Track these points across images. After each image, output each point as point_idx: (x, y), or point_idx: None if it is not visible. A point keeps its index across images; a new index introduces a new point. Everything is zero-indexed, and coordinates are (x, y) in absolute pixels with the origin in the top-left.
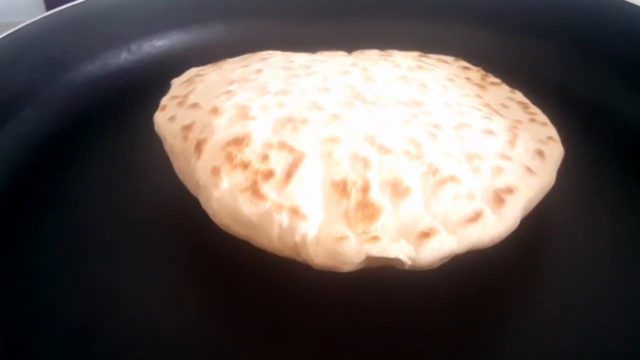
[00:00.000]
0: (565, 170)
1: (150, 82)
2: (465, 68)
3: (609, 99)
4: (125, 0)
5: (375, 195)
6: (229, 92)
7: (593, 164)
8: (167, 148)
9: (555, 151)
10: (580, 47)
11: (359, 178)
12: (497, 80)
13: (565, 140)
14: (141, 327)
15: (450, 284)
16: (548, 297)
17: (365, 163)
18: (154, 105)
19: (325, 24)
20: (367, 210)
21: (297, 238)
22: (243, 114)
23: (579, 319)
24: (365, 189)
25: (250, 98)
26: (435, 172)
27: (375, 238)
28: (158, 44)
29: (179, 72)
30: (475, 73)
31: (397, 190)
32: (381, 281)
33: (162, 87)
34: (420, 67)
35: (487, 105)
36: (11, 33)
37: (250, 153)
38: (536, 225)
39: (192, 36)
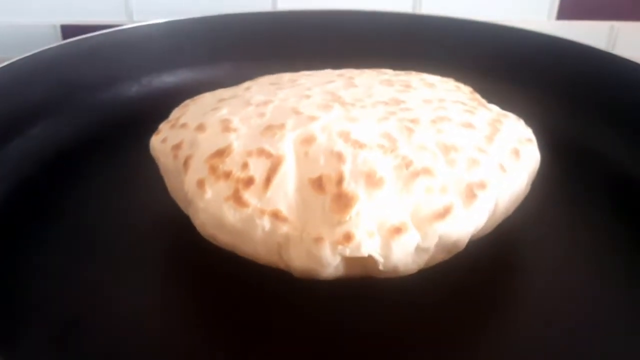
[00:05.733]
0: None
1: (157, 113)
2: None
3: (598, 142)
4: (140, 37)
5: (349, 185)
6: (215, 109)
7: (576, 197)
8: (161, 168)
9: (532, 155)
10: (571, 95)
11: (334, 172)
12: (484, 100)
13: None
14: (129, 330)
15: (434, 290)
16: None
17: (340, 157)
18: None
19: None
20: (342, 201)
21: (280, 239)
22: (225, 127)
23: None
24: (339, 181)
25: (233, 111)
26: (408, 164)
27: (349, 237)
28: (168, 79)
29: None
30: (465, 88)
31: (371, 180)
32: (365, 291)
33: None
34: (408, 73)
35: (474, 99)
36: (29, 55)
37: (231, 163)
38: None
39: (200, 75)
